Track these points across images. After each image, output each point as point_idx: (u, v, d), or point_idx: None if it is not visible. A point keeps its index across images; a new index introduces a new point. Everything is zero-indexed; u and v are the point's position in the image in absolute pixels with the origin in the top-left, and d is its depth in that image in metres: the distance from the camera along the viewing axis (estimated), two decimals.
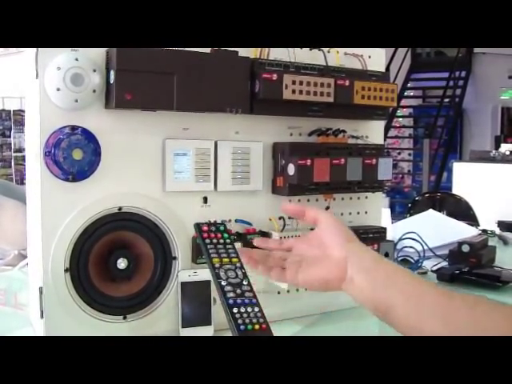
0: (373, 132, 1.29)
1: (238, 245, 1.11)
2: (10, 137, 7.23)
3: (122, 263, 1.04)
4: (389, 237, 1.29)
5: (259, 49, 1.11)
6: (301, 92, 1.10)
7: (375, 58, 1.27)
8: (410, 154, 8.77)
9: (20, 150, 7.04)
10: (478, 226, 2.34)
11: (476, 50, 8.10)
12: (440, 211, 2.82)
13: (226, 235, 0.86)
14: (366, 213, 1.30)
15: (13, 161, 7.18)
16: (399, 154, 8.70)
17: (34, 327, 1.08)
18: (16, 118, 7.08)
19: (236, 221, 1.14)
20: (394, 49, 7.15)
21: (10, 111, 7.18)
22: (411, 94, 8.83)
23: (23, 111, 6.33)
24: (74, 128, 0.97)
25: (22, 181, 6.65)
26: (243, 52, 1.09)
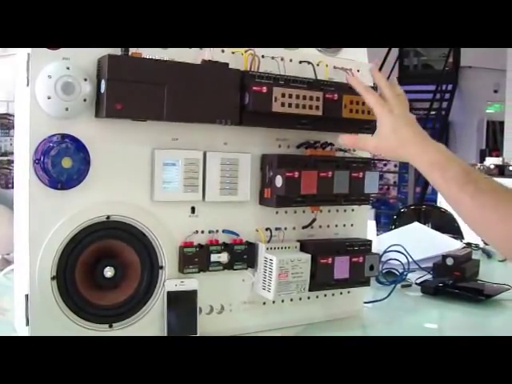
0: None
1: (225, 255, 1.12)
2: None
3: (108, 272, 1.04)
4: (374, 249, 1.30)
5: (249, 61, 1.12)
6: (290, 105, 1.11)
7: (364, 72, 1.28)
8: (395, 166, 8.79)
9: (5, 153, 6.97)
10: (463, 239, 2.36)
11: (462, 63, 8.17)
12: (425, 223, 2.84)
13: None
14: (351, 225, 1.31)
15: None
16: (385, 165, 8.73)
17: (19, 334, 1.07)
18: (2, 122, 7.02)
19: (223, 231, 1.14)
20: (381, 61, 7.20)
21: None
22: None
23: (10, 115, 6.28)
24: (63, 136, 0.98)
25: (6, 185, 6.59)
26: (233, 64, 1.10)
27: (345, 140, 1.13)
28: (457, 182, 0.94)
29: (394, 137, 1.04)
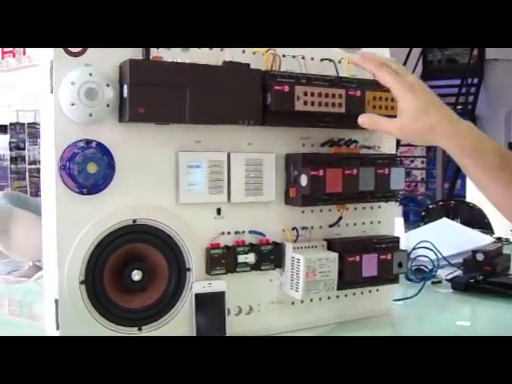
0: (385, 142, 1.29)
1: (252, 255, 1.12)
2: (24, 149, 7.28)
3: (136, 275, 1.04)
4: (402, 246, 1.29)
5: (271, 60, 1.12)
6: (312, 103, 1.11)
7: None
8: (423, 162, 8.72)
9: (34, 162, 7.09)
10: (493, 233, 2.32)
11: (488, 56, 8.07)
12: (454, 219, 2.81)
13: None
14: (379, 222, 1.30)
15: (27, 173, 7.22)
16: (412, 161, 8.67)
17: None
18: (30, 131, 7.13)
19: (249, 232, 1.14)
20: (405, 57, 7.14)
21: (24, 124, 7.23)
22: None
23: (37, 124, 6.39)
24: (88, 142, 0.99)
25: (36, 193, 6.69)
26: (255, 64, 1.10)
27: (365, 121, 1.04)
28: (490, 168, 0.89)
29: (422, 119, 0.95)
